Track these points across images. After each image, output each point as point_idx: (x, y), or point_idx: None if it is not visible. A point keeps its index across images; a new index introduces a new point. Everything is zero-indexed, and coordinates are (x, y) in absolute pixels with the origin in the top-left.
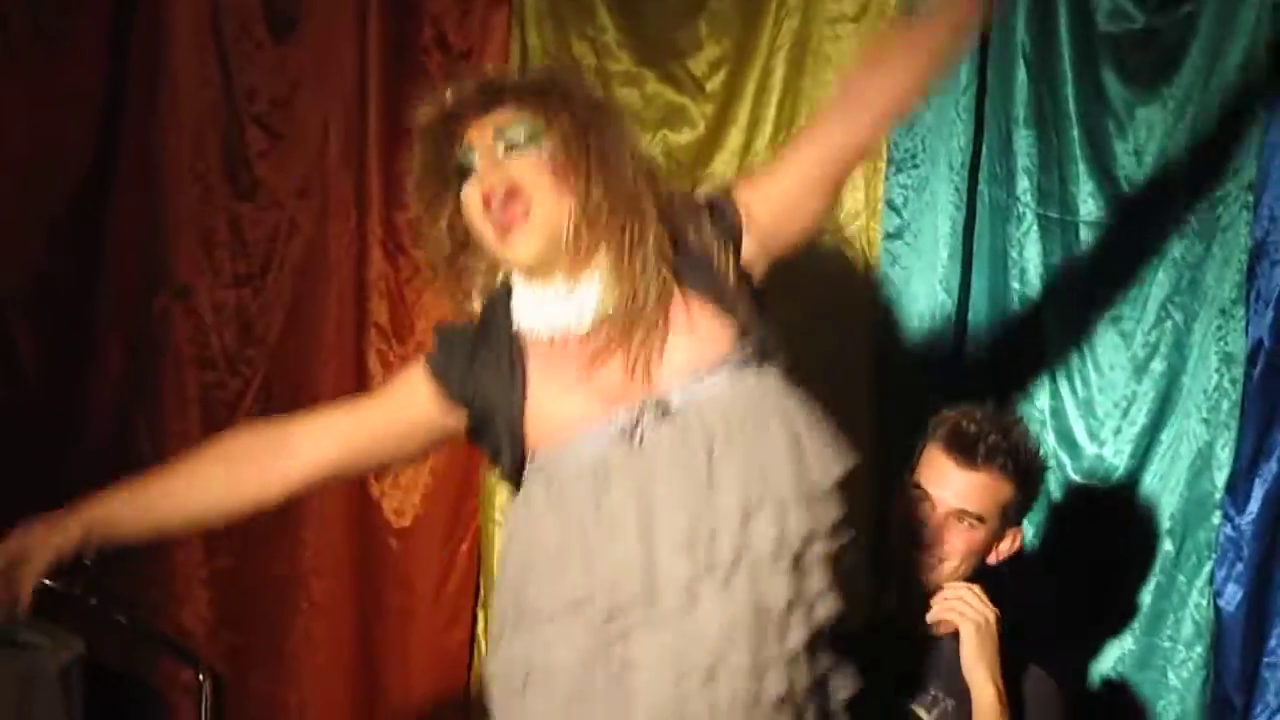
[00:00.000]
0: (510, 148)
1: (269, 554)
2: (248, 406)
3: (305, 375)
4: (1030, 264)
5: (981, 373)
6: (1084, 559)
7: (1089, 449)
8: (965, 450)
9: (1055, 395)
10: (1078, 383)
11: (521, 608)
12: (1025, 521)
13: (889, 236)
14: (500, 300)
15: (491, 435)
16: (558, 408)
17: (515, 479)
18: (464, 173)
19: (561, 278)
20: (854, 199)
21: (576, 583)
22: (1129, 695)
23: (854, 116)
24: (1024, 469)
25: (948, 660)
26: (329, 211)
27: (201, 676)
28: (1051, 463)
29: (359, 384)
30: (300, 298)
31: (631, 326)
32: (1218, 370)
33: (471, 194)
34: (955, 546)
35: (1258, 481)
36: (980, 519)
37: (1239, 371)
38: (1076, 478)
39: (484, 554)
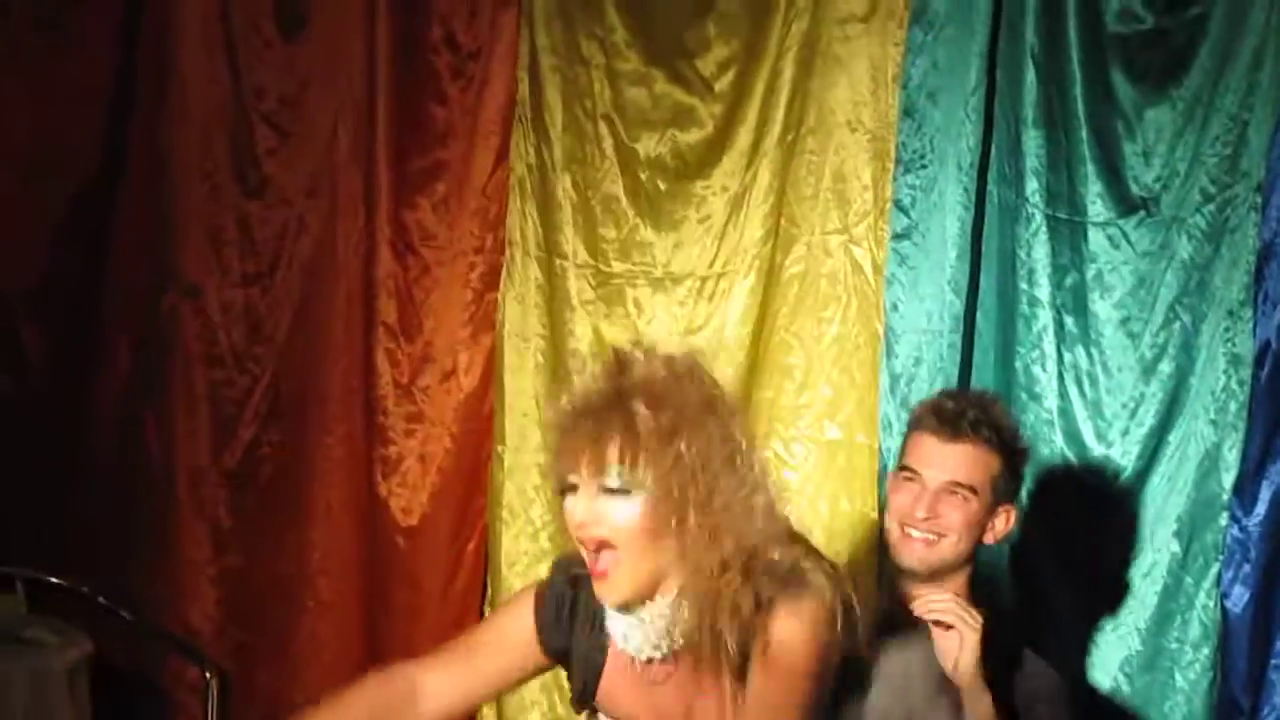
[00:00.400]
0: (607, 490)
1: (276, 553)
2: (256, 404)
3: (313, 374)
4: (1039, 265)
5: (989, 373)
6: (1091, 560)
7: (1097, 450)
8: (949, 424)
9: (1063, 396)
10: (1085, 384)
11: None
12: (1026, 515)
13: (897, 237)
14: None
15: (571, 674)
16: (622, 700)
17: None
18: (566, 488)
19: (633, 608)
20: (862, 199)
21: None
22: (1136, 697)
23: None
24: (1008, 442)
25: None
26: (337, 210)
27: (208, 674)
28: (1059, 463)
29: (367, 382)
30: (308, 296)
31: (696, 669)
32: (1225, 372)
33: (571, 513)
34: (952, 521)
35: (1265, 483)
36: (973, 490)
37: (1246, 373)
38: (1084, 479)
39: (491, 553)
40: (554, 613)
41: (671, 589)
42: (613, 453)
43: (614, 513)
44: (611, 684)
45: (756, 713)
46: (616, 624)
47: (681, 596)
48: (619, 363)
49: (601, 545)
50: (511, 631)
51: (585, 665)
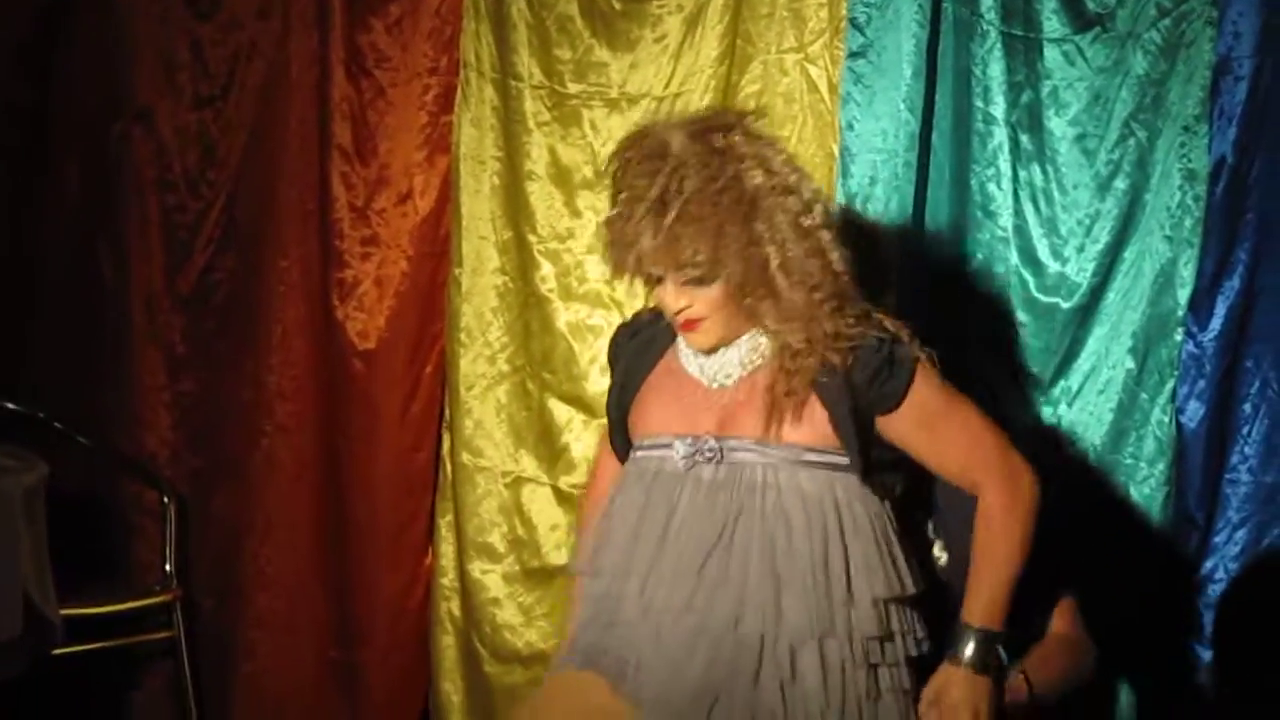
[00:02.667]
0: (687, 282)
1: (232, 377)
2: (210, 229)
3: (267, 197)
4: (994, 82)
5: (944, 192)
6: (1046, 377)
7: (1052, 267)
8: None
9: (1019, 214)
10: (1041, 201)
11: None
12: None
13: (852, 55)
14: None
15: (611, 404)
16: (654, 408)
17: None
18: (653, 279)
19: (719, 347)
20: (818, 17)
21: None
22: (1091, 512)
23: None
24: None
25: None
26: (290, 32)
27: (165, 498)
28: (1014, 281)
29: (321, 206)
30: (262, 120)
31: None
32: (1181, 187)
33: (661, 300)
34: None
35: (1220, 298)
36: None
37: (1202, 189)
38: (1040, 296)
39: (449, 376)
40: (620, 342)
41: (750, 331)
42: (679, 253)
43: (700, 296)
44: (651, 390)
45: (942, 426)
46: (690, 354)
47: (764, 333)
48: (653, 146)
49: (698, 319)
50: None
51: (627, 375)
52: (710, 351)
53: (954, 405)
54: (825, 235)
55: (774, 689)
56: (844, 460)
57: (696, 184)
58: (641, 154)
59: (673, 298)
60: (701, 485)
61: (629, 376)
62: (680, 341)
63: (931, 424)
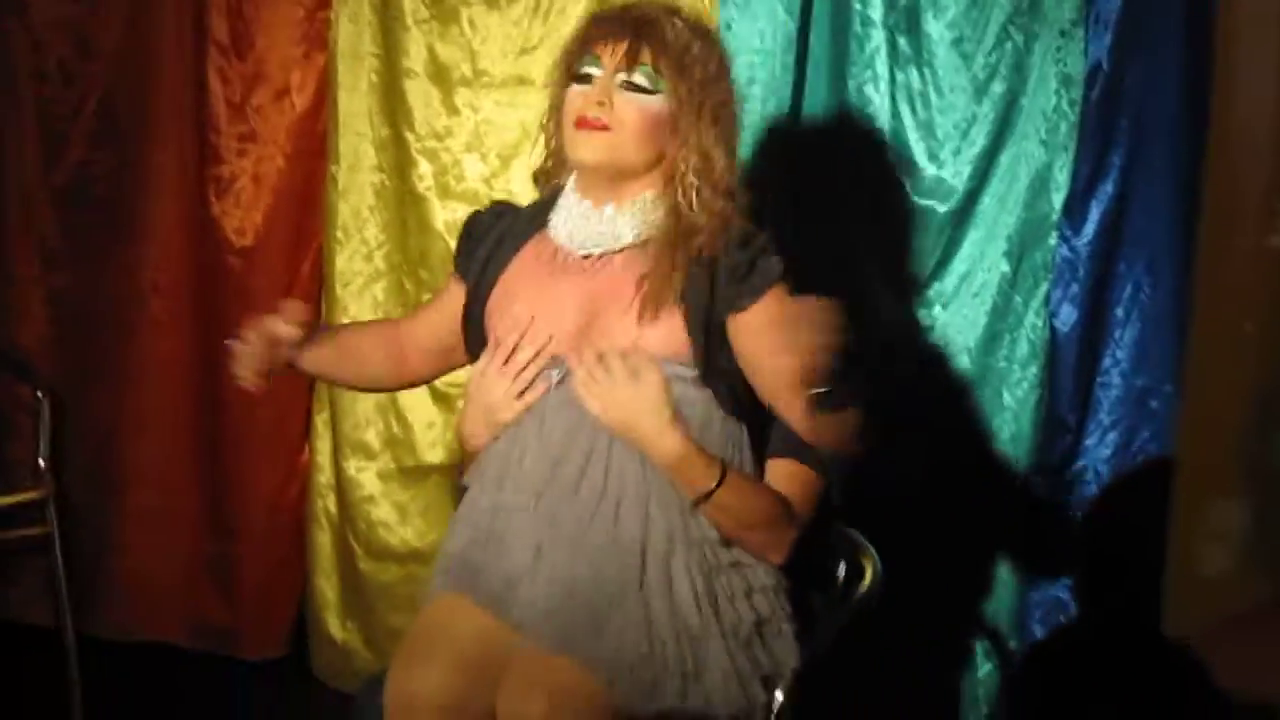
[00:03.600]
0: (629, 84)
1: (108, 271)
2: (85, 122)
3: (143, 91)
4: None
5: (821, 93)
6: (920, 281)
7: (928, 170)
8: None
9: (895, 116)
10: (918, 104)
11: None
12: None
13: None
14: (544, 204)
15: (468, 317)
16: (520, 293)
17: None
18: (579, 76)
19: (608, 201)
20: None
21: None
22: (964, 414)
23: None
24: None
25: None
26: None
27: (39, 393)
28: (890, 182)
29: (198, 100)
30: (137, 12)
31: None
32: (1057, 92)
33: (574, 101)
34: None
35: (1094, 203)
36: None
37: (1078, 93)
38: (916, 199)
39: (326, 273)
40: (468, 237)
41: (641, 196)
42: (645, 53)
43: (628, 104)
44: (512, 280)
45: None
46: (565, 215)
47: (660, 199)
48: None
49: (607, 125)
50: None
51: (485, 268)
52: (589, 187)
53: (806, 324)
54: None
55: (659, 595)
56: (691, 373)
57: (685, 24)
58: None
59: (600, 89)
60: (568, 399)
61: (486, 273)
62: (556, 210)
63: (775, 336)
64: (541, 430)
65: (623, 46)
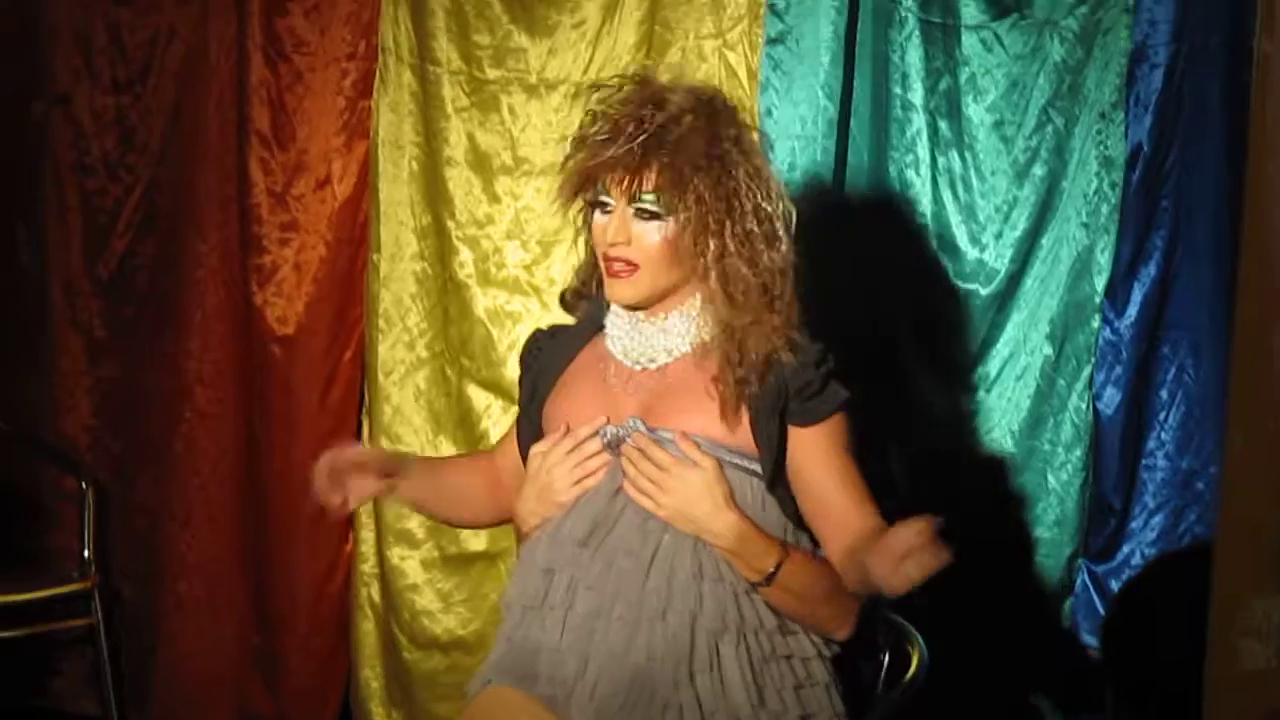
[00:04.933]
0: (640, 213)
1: (152, 363)
2: (129, 214)
3: (186, 182)
4: (912, 69)
5: (863, 178)
6: (963, 363)
7: (970, 254)
8: None
9: (937, 200)
10: (959, 188)
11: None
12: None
13: (771, 42)
14: (593, 314)
15: (524, 417)
16: (572, 401)
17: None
18: (598, 202)
19: (659, 312)
20: (736, 4)
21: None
22: (1008, 498)
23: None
24: None
25: None
26: (209, 16)
27: (84, 484)
28: (932, 267)
29: (241, 190)
30: (181, 104)
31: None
32: (1098, 174)
33: (599, 234)
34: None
35: (1136, 285)
36: None
37: (1118, 175)
38: (958, 282)
39: (368, 362)
40: (528, 359)
41: (689, 303)
42: (649, 179)
43: (645, 234)
44: (571, 380)
45: (839, 467)
46: (620, 331)
47: (705, 309)
48: (651, 92)
49: (628, 264)
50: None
51: (542, 375)
52: (634, 308)
53: (854, 462)
54: (782, 234)
55: (705, 680)
56: (756, 468)
57: (689, 128)
58: (639, 94)
59: (616, 227)
60: (618, 477)
61: (542, 378)
62: (607, 324)
63: (831, 458)
64: (591, 509)
65: (625, 177)
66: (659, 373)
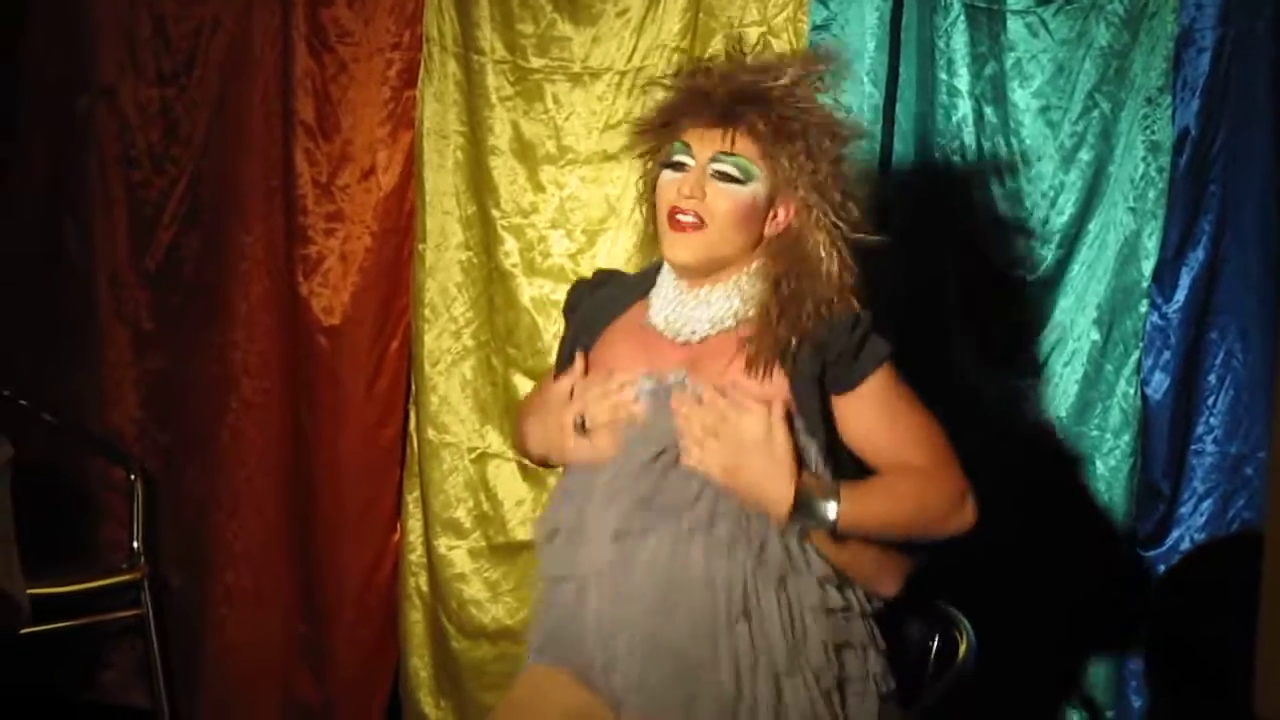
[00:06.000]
0: (719, 175)
1: (199, 354)
2: (174, 206)
3: (231, 173)
4: (958, 54)
5: (909, 164)
6: (1011, 349)
7: (1017, 240)
8: None
9: (983, 185)
10: (1005, 173)
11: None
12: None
13: (816, 29)
14: (648, 273)
15: (564, 352)
16: (617, 355)
17: None
18: (672, 162)
19: (704, 284)
20: None
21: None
22: (1057, 484)
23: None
24: None
25: None
26: (253, 7)
27: (132, 476)
28: (977, 253)
29: (286, 182)
30: (225, 96)
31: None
32: (1144, 159)
33: (667, 190)
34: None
35: (1184, 270)
36: None
37: (1166, 160)
38: (1004, 269)
39: (414, 351)
40: (580, 292)
41: (736, 278)
42: (740, 143)
43: (719, 195)
44: (614, 335)
45: (903, 418)
46: (662, 301)
47: (755, 274)
48: (750, 62)
49: (696, 220)
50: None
51: (584, 325)
52: (686, 275)
53: (915, 406)
54: (856, 216)
55: (744, 628)
56: (800, 422)
57: (782, 99)
58: (738, 60)
59: (692, 183)
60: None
61: (586, 326)
62: (653, 297)
63: (891, 413)
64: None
65: (714, 135)
66: (698, 343)
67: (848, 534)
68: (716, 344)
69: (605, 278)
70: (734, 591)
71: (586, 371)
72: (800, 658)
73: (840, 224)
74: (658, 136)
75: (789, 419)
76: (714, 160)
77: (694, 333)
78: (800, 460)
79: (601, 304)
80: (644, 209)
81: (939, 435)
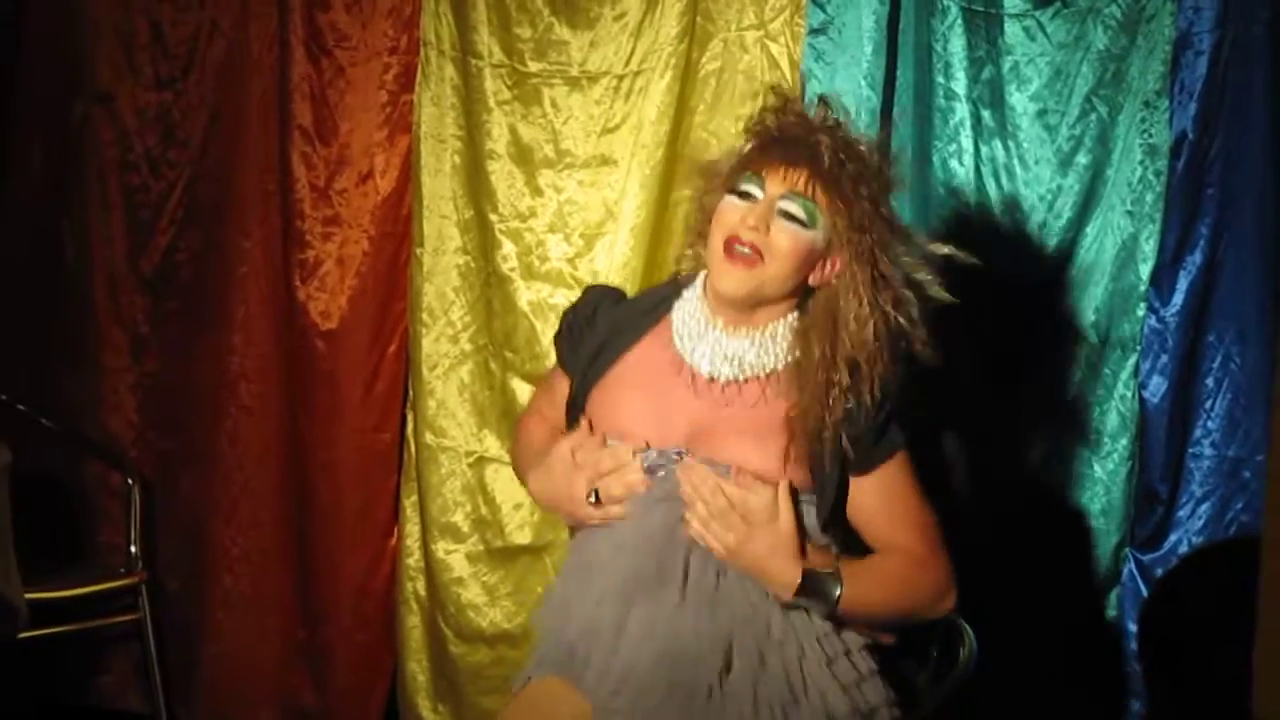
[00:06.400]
0: (785, 215)
1: (196, 357)
2: (172, 209)
3: (229, 178)
4: (955, 58)
5: (906, 168)
6: (1009, 353)
7: (1014, 242)
8: None
9: (981, 190)
10: (1003, 177)
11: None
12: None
13: (813, 32)
14: (662, 296)
15: (573, 402)
16: (623, 404)
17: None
18: (739, 190)
19: (742, 326)
20: None
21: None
22: (1054, 488)
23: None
24: None
25: None
26: (250, 12)
27: (130, 480)
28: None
29: (283, 185)
30: (222, 100)
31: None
32: (1142, 163)
33: (729, 215)
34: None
35: (1182, 273)
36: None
37: (1163, 164)
38: (1002, 271)
39: (412, 355)
40: (568, 328)
41: (773, 326)
42: (808, 184)
43: (781, 233)
44: (625, 372)
45: (900, 506)
46: (692, 329)
47: (791, 327)
48: (829, 115)
49: (754, 252)
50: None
51: (597, 356)
52: (726, 309)
53: (917, 494)
54: (905, 293)
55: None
56: (808, 498)
57: (863, 158)
58: (826, 112)
59: (758, 215)
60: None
61: (605, 347)
62: (676, 318)
63: (895, 500)
64: (642, 525)
65: (789, 174)
66: (726, 388)
67: (845, 616)
68: (741, 398)
69: (613, 295)
70: (734, 650)
71: (591, 431)
72: (806, 709)
73: (888, 303)
74: (736, 170)
75: (793, 495)
76: (784, 198)
77: (723, 375)
78: (803, 534)
79: (622, 324)
80: (690, 231)
81: (934, 524)
